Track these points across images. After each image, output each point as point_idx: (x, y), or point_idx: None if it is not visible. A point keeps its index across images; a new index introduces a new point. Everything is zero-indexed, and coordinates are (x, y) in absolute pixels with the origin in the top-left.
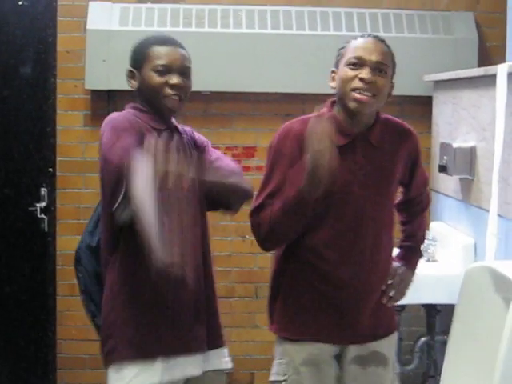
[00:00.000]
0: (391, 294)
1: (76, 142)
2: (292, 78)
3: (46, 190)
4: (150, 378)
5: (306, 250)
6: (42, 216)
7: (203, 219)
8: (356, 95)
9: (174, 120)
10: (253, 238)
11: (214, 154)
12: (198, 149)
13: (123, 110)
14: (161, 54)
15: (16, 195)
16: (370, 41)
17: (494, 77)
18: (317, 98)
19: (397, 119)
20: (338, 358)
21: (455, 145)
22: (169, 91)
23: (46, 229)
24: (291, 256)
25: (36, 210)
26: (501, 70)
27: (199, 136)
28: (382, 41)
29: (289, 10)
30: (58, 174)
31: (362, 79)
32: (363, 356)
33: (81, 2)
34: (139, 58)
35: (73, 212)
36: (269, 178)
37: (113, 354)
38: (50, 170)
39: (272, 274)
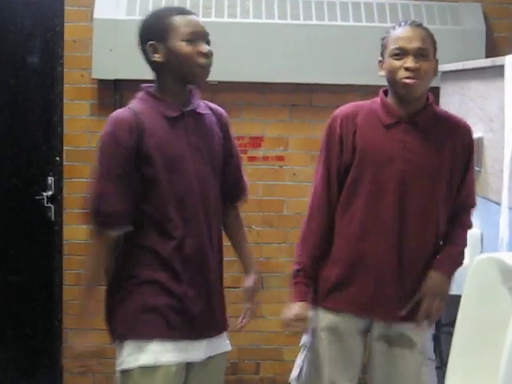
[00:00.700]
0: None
1: (83, 131)
2: (299, 68)
3: (52, 179)
4: (148, 357)
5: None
6: (49, 205)
7: (220, 208)
8: (405, 81)
9: (196, 97)
10: (258, 229)
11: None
12: (223, 127)
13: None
14: (186, 23)
15: (23, 184)
16: (408, 29)
17: (501, 68)
18: (324, 88)
19: (454, 115)
20: (365, 334)
21: None
22: (202, 60)
23: (53, 218)
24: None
25: (43, 199)
26: (508, 61)
27: (228, 122)
28: (420, 25)
29: (296, 0)
30: (64, 163)
31: (407, 68)
32: (389, 335)
33: None
34: (161, 29)
35: (79, 201)
36: (319, 163)
37: (119, 329)
38: (57, 159)
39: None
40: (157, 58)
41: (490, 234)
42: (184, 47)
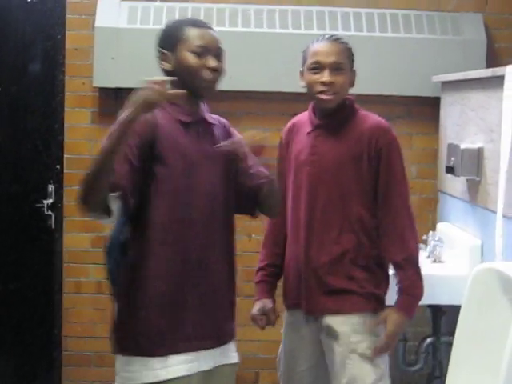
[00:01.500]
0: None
1: (83, 139)
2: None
3: (53, 186)
4: (160, 372)
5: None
6: (49, 213)
7: (231, 219)
8: (321, 96)
9: (204, 108)
10: (258, 238)
11: (251, 159)
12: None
13: None
14: (197, 36)
15: (23, 192)
16: (325, 43)
17: (502, 78)
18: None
19: (373, 115)
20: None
21: (463, 146)
22: (208, 74)
23: (53, 226)
24: None
25: (43, 207)
26: (509, 72)
27: (235, 132)
28: (337, 39)
29: (297, 9)
30: (65, 171)
31: (323, 83)
32: (322, 327)
33: None
34: (173, 38)
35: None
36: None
37: (124, 344)
38: (58, 167)
39: None
40: (165, 66)
41: (490, 244)
42: (191, 59)
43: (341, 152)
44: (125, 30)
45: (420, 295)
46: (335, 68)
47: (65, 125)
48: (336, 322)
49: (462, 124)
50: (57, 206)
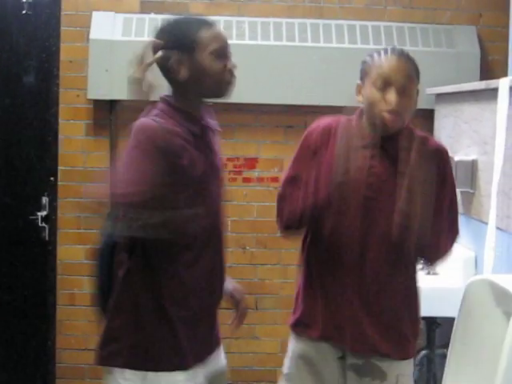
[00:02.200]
0: None
1: (78, 151)
2: (294, 90)
3: (47, 198)
4: None
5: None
6: (43, 225)
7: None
8: (385, 116)
9: (205, 111)
10: (253, 250)
11: None
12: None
13: (154, 109)
14: (215, 37)
15: (17, 204)
16: (394, 60)
17: (495, 91)
18: (319, 110)
19: (423, 133)
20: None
21: (457, 158)
22: (228, 76)
23: (47, 238)
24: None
25: (37, 219)
26: (502, 84)
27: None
28: (406, 55)
29: (292, 22)
30: (59, 183)
31: (389, 102)
32: (359, 365)
33: (84, 11)
34: (190, 42)
35: (74, 221)
36: (290, 165)
37: (117, 358)
38: (52, 179)
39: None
40: (182, 73)
41: (484, 256)
42: (213, 63)
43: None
44: (119, 43)
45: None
46: (404, 88)
47: (59, 137)
48: (382, 361)
49: (455, 136)
50: (51, 218)
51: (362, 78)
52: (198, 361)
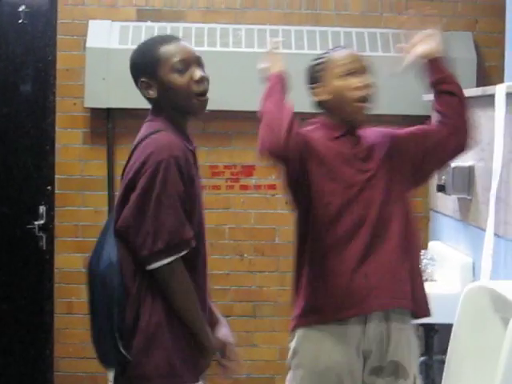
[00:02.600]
0: None
1: (75, 159)
2: (291, 97)
3: (44, 207)
4: None
5: None
6: (41, 234)
7: None
8: (360, 105)
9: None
10: (250, 257)
11: None
12: None
13: (155, 121)
14: (173, 52)
15: (14, 213)
16: (349, 51)
17: (492, 97)
18: (316, 117)
19: None
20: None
21: (453, 164)
22: (196, 87)
23: (45, 247)
24: None
25: (34, 228)
26: (499, 91)
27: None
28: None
29: (288, 29)
30: (56, 191)
31: (360, 87)
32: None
33: (81, 20)
34: (150, 63)
35: (71, 230)
36: None
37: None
38: (49, 187)
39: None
40: (151, 94)
41: (482, 262)
42: (176, 78)
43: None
44: (116, 51)
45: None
46: (366, 71)
47: (56, 145)
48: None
49: None
50: (48, 227)
51: (315, 80)
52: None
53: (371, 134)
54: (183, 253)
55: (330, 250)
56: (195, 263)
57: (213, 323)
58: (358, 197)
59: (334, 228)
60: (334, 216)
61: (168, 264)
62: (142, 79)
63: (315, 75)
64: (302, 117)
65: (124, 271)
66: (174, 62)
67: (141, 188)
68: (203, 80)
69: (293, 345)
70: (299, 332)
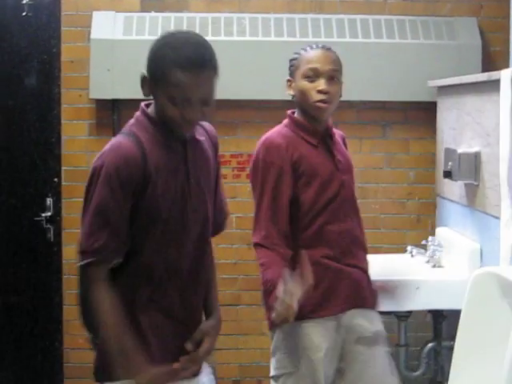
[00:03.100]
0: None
1: (81, 151)
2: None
3: (51, 199)
4: None
5: None
6: (48, 226)
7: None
8: (317, 105)
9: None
10: None
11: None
12: (215, 149)
13: (135, 118)
14: (180, 83)
15: (22, 205)
16: (320, 52)
17: (497, 82)
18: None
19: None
20: None
21: (460, 150)
22: (182, 125)
23: (52, 238)
24: None
25: (42, 220)
26: (504, 76)
27: (213, 132)
28: (330, 49)
29: (292, 17)
30: (63, 183)
31: (319, 91)
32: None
33: (84, 11)
34: (157, 75)
35: (78, 221)
36: (261, 196)
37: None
38: (56, 179)
39: None
40: (144, 92)
41: (489, 247)
42: (169, 108)
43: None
44: (120, 42)
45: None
46: (331, 76)
47: (62, 137)
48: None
49: (458, 128)
50: (55, 219)
51: (291, 74)
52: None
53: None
54: (93, 260)
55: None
56: (150, 272)
57: (207, 314)
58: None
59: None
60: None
61: (82, 267)
62: (146, 76)
63: (290, 69)
64: None
65: None
66: (174, 94)
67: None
68: (195, 120)
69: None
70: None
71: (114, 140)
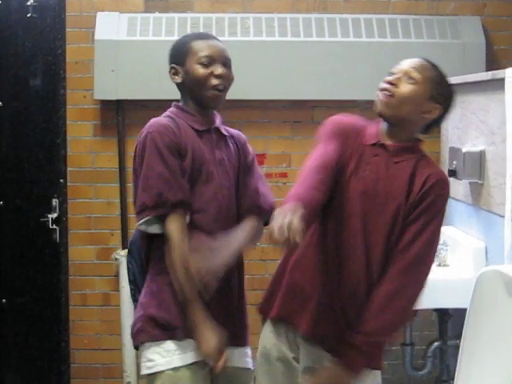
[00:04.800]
0: None
1: (86, 152)
2: (300, 85)
3: (57, 200)
4: (178, 358)
5: None
6: (54, 227)
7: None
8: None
9: (218, 120)
10: (264, 246)
11: (258, 177)
12: (245, 157)
13: (170, 107)
14: (203, 47)
15: (27, 206)
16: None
17: (502, 81)
18: (325, 104)
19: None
20: None
21: (464, 149)
22: (214, 81)
23: (58, 239)
24: None
25: (48, 221)
26: (509, 74)
27: (247, 144)
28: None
29: (296, 17)
30: (68, 184)
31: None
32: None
33: (89, 12)
34: (181, 53)
35: (84, 222)
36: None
37: (140, 334)
38: (61, 180)
39: None
40: (176, 79)
41: (494, 246)
42: (198, 69)
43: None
44: (124, 42)
45: None
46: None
47: (67, 138)
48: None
49: (463, 127)
50: (61, 220)
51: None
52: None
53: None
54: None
55: None
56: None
57: None
58: None
59: None
60: None
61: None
62: (172, 65)
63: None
64: (314, 104)
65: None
66: (201, 56)
67: (134, 168)
68: (223, 76)
69: None
70: None
71: (152, 120)
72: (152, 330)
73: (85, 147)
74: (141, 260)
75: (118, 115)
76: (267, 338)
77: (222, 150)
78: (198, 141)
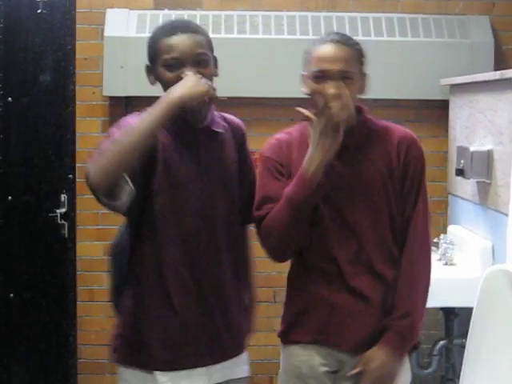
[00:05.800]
0: None
1: (94, 148)
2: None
3: (65, 196)
4: None
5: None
6: (62, 222)
7: (238, 230)
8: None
9: (209, 115)
10: None
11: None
12: (239, 142)
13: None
14: (167, 46)
15: (36, 202)
16: (329, 48)
17: (510, 80)
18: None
19: (395, 126)
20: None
21: (472, 148)
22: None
23: (66, 235)
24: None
25: (56, 216)
26: None
27: (239, 126)
28: (343, 42)
29: (305, 15)
30: (77, 180)
31: (328, 95)
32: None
33: (98, 9)
34: (150, 51)
35: (92, 218)
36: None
37: (115, 353)
38: (70, 176)
39: None
40: (150, 80)
41: (501, 245)
42: (165, 74)
43: (369, 173)
44: (134, 39)
45: None
46: (342, 77)
47: (76, 134)
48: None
49: (470, 126)
50: (70, 215)
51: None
52: (199, 364)
53: None
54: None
55: None
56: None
57: None
58: None
59: None
60: None
61: None
62: (147, 64)
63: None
64: None
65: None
66: (166, 58)
67: None
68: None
69: None
70: None
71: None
72: (125, 353)
73: (93, 143)
74: (121, 265)
75: (127, 111)
76: (295, 355)
77: (212, 151)
78: (177, 146)
